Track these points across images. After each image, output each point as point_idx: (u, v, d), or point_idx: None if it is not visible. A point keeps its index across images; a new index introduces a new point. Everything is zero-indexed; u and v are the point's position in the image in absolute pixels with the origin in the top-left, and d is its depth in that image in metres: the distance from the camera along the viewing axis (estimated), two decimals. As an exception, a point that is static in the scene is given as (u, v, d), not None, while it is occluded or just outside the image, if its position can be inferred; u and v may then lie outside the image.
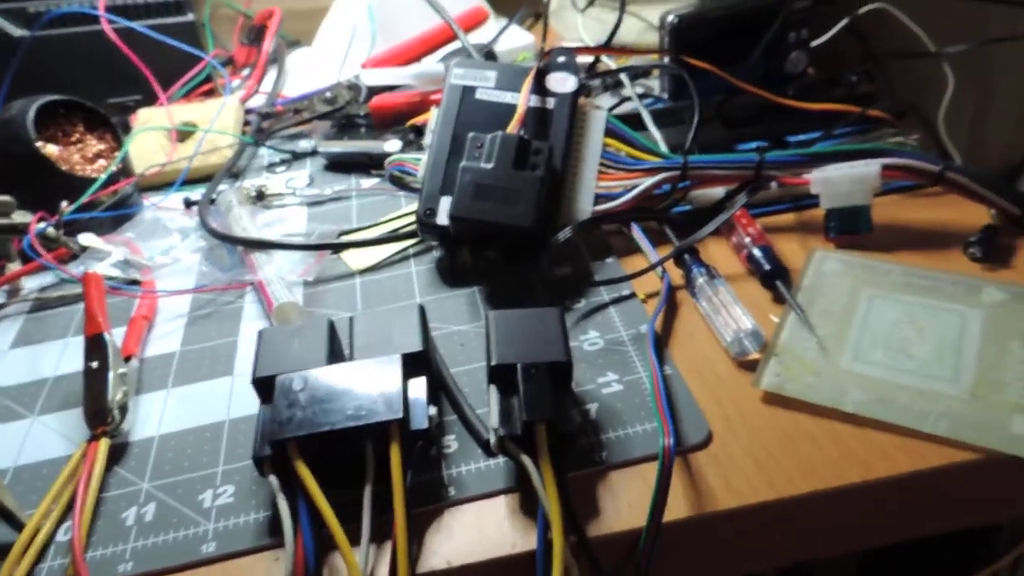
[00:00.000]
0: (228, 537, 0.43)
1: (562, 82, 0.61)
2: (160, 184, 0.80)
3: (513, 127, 0.58)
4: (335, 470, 0.41)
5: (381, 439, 0.41)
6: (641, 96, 0.79)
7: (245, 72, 1.03)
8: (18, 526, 0.44)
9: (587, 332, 0.54)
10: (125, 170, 0.76)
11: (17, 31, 0.89)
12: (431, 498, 0.43)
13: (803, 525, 0.44)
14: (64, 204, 0.67)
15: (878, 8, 0.75)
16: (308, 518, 0.40)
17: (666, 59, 0.75)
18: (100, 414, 0.49)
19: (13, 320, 0.63)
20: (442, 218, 0.58)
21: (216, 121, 0.84)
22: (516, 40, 0.98)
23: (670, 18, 0.73)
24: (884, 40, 0.77)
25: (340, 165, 0.81)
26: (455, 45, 0.92)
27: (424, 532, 0.42)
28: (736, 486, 0.42)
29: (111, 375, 0.51)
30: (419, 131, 0.78)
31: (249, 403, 0.51)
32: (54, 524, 0.44)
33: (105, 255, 0.66)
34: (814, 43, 0.77)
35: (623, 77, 0.80)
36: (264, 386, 0.44)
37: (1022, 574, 0.61)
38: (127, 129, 0.86)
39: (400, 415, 0.41)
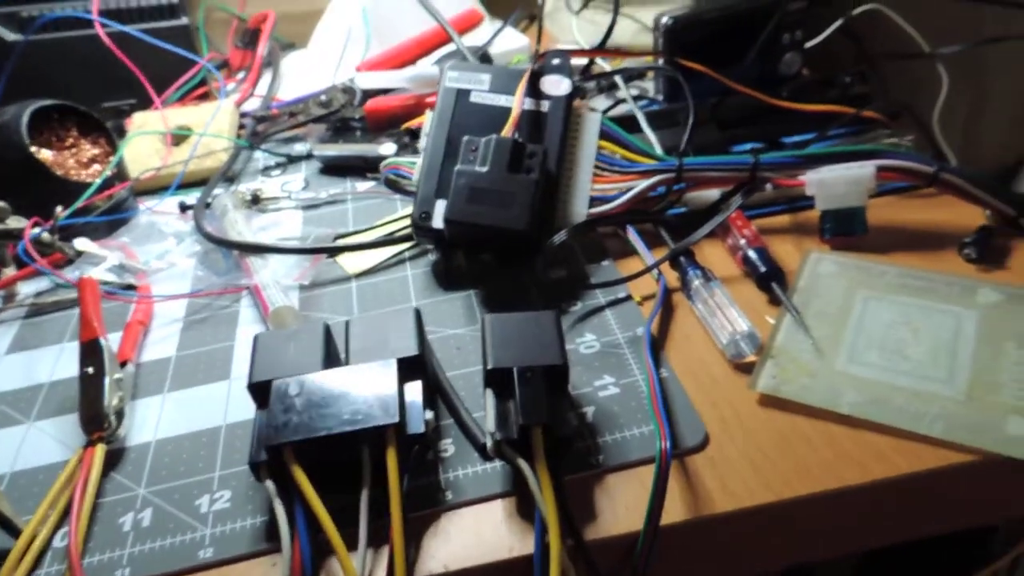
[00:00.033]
0: (225, 542, 0.43)
1: (556, 85, 0.61)
2: (155, 188, 0.80)
3: (507, 130, 0.58)
4: (332, 475, 0.41)
5: (377, 443, 0.41)
6: (636, 98, 0.79)
7: (240, 75, 1.03)
8: (15, 532, 0.44)
9: (583, 335, 0.54)
10: (120, 175, 0.76)
11: (11, 35, 0.89)
12: (428, 502, 0.43)
13: (800, 527, 0.44)
14: (59, 209, 0.66)
15: (872, 9, 0.75)
16: (305, 523, 0.40)
17: (660, 61, 0.75)
18: (96, 419, 0.49)
19: (8, 326, 0.63)
20: (437, 221, 0.58)
21: (211, 125, 0.84)
22: (511, 42, 0.98)
23: (664, 20, 0.74)
24: (878, 41, 0.77)
25: (335, 168, 0.81)
26: (450, 47, 0.92)
27: (421, 536, 0.42)
28: (733, 488, 0.42)
29: (107, 380, 0.51)
30: (414, 134, 0.78)
31: (246, 408, 0.51)
32: (51, 530, 0.44)
33: (100, 260, 0.66)
34: (808, 44, 0.78)
35: (618, 79, 0.81)
36: (260, 391, 0.44)
37: (1020, 575, 0.61)
38: (122, 133, 0.86)
39: (396, 419, 0.41)
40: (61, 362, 0.58)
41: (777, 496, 0.42)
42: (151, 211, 0.76)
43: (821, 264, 0.57)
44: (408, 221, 0.61)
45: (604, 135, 0.61)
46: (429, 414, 0.44)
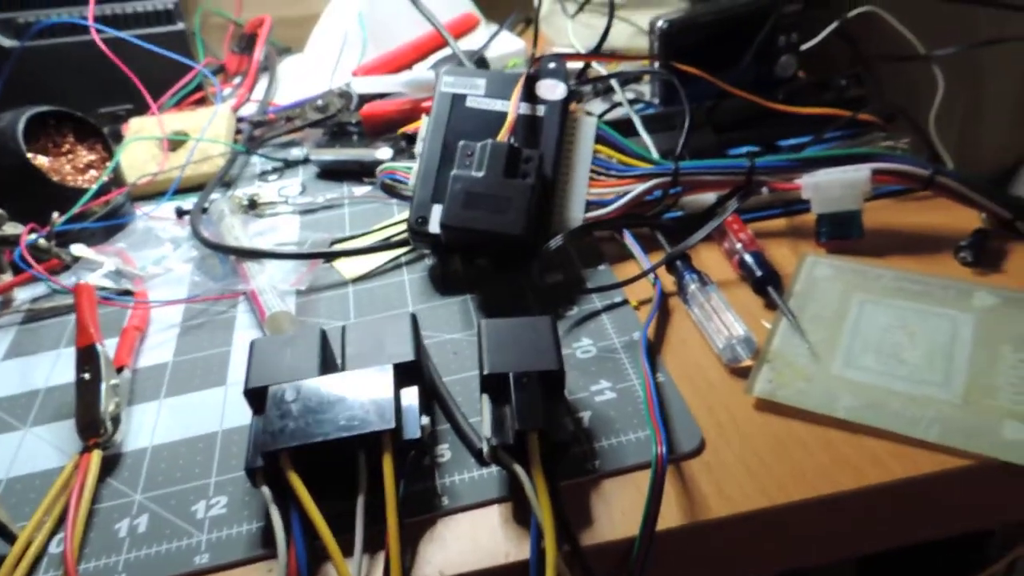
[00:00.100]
0: (221, 548, 0.43)
1: (552, 89, 0.61)
2: (152, 194, 0.80)
3: (503, 135, 0.58)
4: (328, 480, 0.41)
5: (374, 449, 0.41)
6: (632, 102, 0.79)
7: (236, 80, 1.03)
8: (10, 538, 0.44)
9: (579, 340, 0.54)
10: (116, 180, 0.76)
11: (7, 42, 0.89)
12: (424, 508, 0.43)
13: (796, 532, 0.44)
14: (55, 215, 0.67)
15: (867, 11, 0.75)
16: (301, 529, 0.40)
17: (656, 64, 0.75)
18: (92, 425, 0.49)
19: (5, 331, 0.63)
20: (434, 226, 0.58)
21: (207, 130, 0.84)
22: (507, 46, 0.98)
23: (660, 23, 0.74)
24: (874, 43, 0.77)
25: (332, 173, 0.81)
26: (446, 52, 0.92)
27: (417, 542, 0.42)
28: (729, 493, 0.42)
29: (103, 386, 0.51)
30: (410, 139, 0.78)
31: (242, 413, 0.50)
32: (46, 536, 0.44)
33: (97, 266, 0.66)
34: (804, 47, 0.78)
35: (614, 83, 0.81)
36: (256, 397, 0.44)
37: (1016, 579, 0.61)
38: (118, 139, 0.86)
39: (392, 425, 0.41)
40: (57, 368, 0.58)
41: (773, 501, 0.42)
42: (148, 216, 0.76)
43: (817, 268, 0.57)
44: (404, 226, 0.61)
45: (600, 139, 0.61)
46: (425, 419, 0.44)
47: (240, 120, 0.91)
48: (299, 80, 0.99)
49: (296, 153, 0.85)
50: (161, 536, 0.44)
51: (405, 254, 0.65)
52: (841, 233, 0.59)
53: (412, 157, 0.63)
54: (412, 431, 0.43)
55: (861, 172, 0.57)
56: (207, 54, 1.06)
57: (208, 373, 0.56)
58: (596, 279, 0.60)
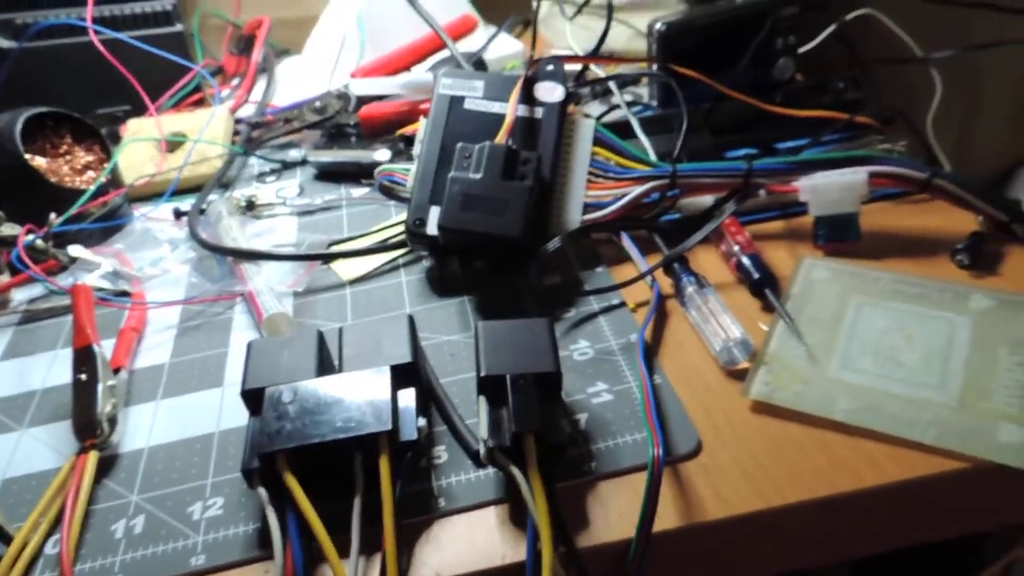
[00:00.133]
0: (217, 549, 0.43)
1: (550, 91, 0.61)
2: (149, 195, 0.80)
3: (501, 137, 0.58)
4: (324, 482, 0.41)
5: (370, 451, 0.41)
6: (630, 104, 0.79)
7: (234, 82, 1.03)
8: (6, 539, 0.44)
9: (577, 342, 0.54)
10: (114, 181, 0.76)
11: (5, 43, 0.89)
12: (421, 509, 0.43)
13: (792, 535, 0.44)
14: (53, 216, 0.67)
15: (865, 14, 0.75)
16: (297, 530, 0.40)
17: (654, 67, 0.75)
18: (89, 426, 0.49)
19: (2, 332, 0.63)
20: (431, 228, 0.58)
21: (206, 131, 0.84)
22: (505, 48, 0.98)
23: (658, 26, 0.74)
24: (871, 46, 0.77)
25: (330, 175, 0.81)
26: (444, 54, 0.92)
27: (414, 543, 0.42)
28: (725, 495, 0.42)
29: (100, 387, 0.51)
30: (408, 141, 0.78)
31: (239, 415, 0.50)
32: (42, 537, 0.44)
33: (94, 267, 0.66)
34: (802, 50, 0.78)
35: (612, 85, 0.81)
36: (253, 398, 0.44)
37: (1013, 582, 0.61)
38: (116, 140, 0.86)
39: (389, 427, 0.41)
40: (54, 369, 0.58)
41: (769, 503, 0.42)
42: (145, 218, 0.76)
43: (814, 270, 0.57)
44: (402, 228, 0.61)
45: (598, 141, 0.61)
46: (422, 421, 0.44)
47: (238, 121, 0.91)
48: (297, 82, 0.99)
49: (294, 154, 0.85)
50: (157, 537, 0.44)
51: (403, 256, 0.65)
52: (838, 236, 0.59)
53: (410, 159, 0.63)
54: (409, 433, 0.43)
55: (858, 175, 0.57)
56: (205, 55, 1.06)
57: (205, 374, 0.56)
58: (593, 281, 0.60)
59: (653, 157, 0.65)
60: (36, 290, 0.67)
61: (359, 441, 0.41)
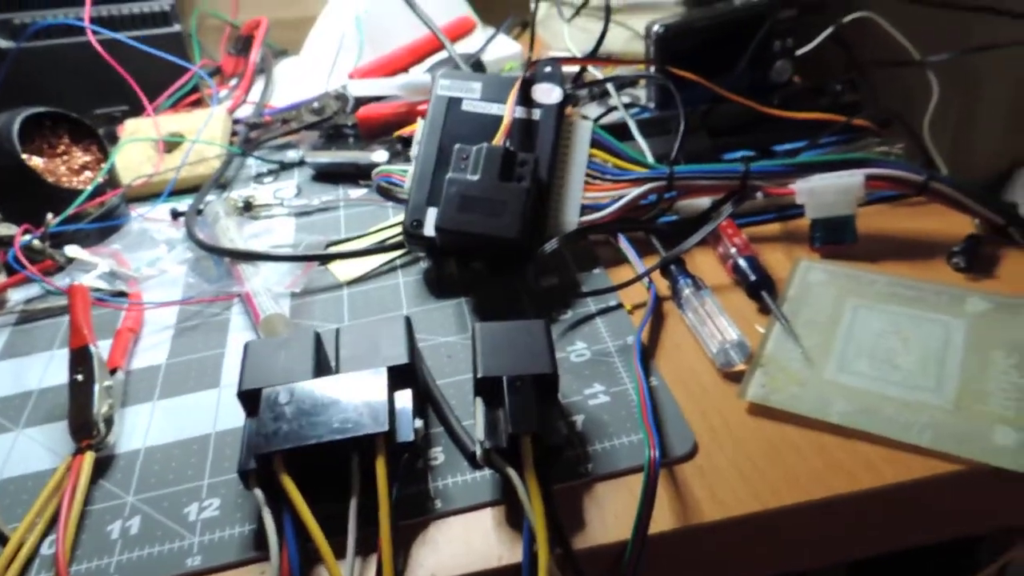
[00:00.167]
0: (213, 550, 0.43)
1: (548, 93, 0.61)
2: (147, 195, 0.80)
3: (499, 138, 0.58)
4: (321, 483, 0.41)
5: (367, 452, 0.41)
6: (627, 106, 0.79)
7: (232, 82, 1.03)
8: (2, 540, 0.44)
9: (574, 343, 0.54)
10: (112, 181, 0.76)
11: (3, 43, 0.89)
12: (417, 510, 0.43)
13: (788, 537, 0.44)
14: (50, 216, 0.67)
15: (862, 17, 0.75)
16: (293, 531, 0.40)
17: (652, 69, 0.75)
18: (85, 427, 0.49)
19: (-2, 332, 0.63)
20: (429, 229, 0.58)
21: (203, 132, 0.84)
22: (503, 49, 0.98)
23: (656, 28, 0.74)
24: (868, 49, 0.77)
25: (328, 175, 0.81)
26: (442, 55, 0.93)
27: (410, 545, 0.42)
28: (721, 497, 0.42)
29: (96, 388, 0.51)
30: (406, 142, 0.78)
31: (235, 416, 0.50)
32: (38, 538, 0.44)
33: (91, 267, 0.66)
34: (799, 52, 0.78)
35: (609, 87, 0.81)
36: (250, 399, 0.44)
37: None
38: (114, 140, 0.86)
39: (386, 428, 0.41)
40: (51, 369, 0.58)
41: (765, 505, 0.42)
42: (143, 218, 0.76)
43: (811, 273, 0.57)
44: (400, 229, 0.61)
45: (595, 143, 0.61)
46: (419, 422, 0.44)
47: (236, 122, 0.91)
48: (295, 82, 0.99)
49: (292, 155, 0.85)
50: (153, 538, 0.44)
51: (400, 257, 0.65)
52: (835, 238, 0.59)
53: (408, 160, 0.63)
54: (405, 434, 0.43)
55: (855, 177, 0.57)
56: (203, 56, 1.06)
57: (202, 375, 0.56)
58: (591, 283, 0.60)
59: (650, 159, 0.65)
60: (33, 290, 0.67)
61: (356, 442, 0.41)
